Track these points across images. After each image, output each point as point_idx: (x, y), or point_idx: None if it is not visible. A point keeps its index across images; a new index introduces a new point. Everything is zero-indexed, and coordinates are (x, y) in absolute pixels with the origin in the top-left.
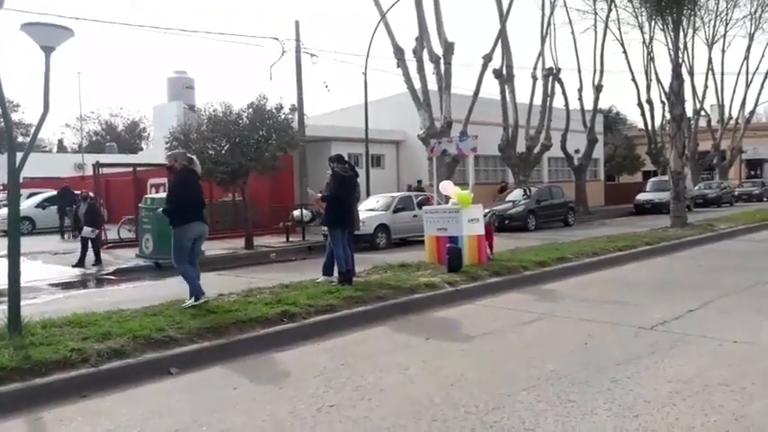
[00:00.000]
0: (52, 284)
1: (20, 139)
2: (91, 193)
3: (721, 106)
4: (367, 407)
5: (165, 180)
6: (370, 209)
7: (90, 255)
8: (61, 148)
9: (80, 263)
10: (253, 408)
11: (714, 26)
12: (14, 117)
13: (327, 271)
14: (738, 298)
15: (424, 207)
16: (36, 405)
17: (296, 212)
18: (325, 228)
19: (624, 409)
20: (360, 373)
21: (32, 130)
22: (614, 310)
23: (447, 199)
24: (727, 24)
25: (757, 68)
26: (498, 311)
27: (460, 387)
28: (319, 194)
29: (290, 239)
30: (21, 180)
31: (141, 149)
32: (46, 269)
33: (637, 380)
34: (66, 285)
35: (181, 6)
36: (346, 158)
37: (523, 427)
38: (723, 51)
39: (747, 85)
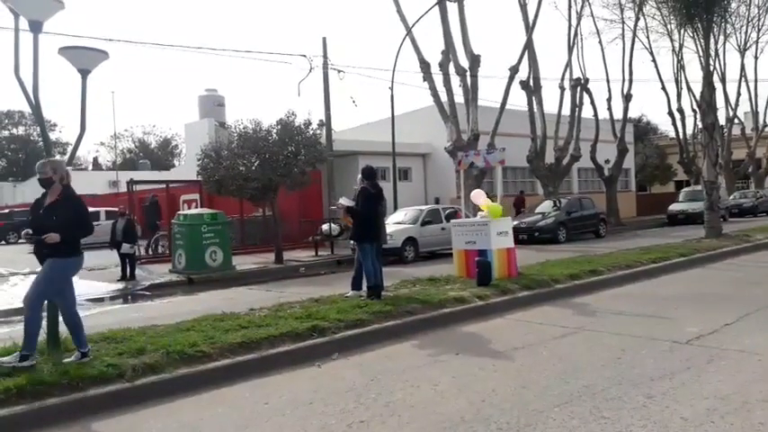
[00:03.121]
0: (88, 300)
1: (57, 157)
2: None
3: (756, 113)
4: (397, 423)
5: (197, 196)
6: (397, 222)
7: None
8: (96, 165)
9: (124, 277)
10: (283, 423)
11: (746, 32)
12: (52, 136)
13: (356, 285)
14: None
15: (452, 220)
16: (74, 419)
17: (325, 227)
18: (353, 242)
19: (660, 427)
20: (390, 388)
21: (69, 149)
22: (648, 323)
23: (475, 212)
24: (759, 30)
25: None
26: (529, 326)
27: (491, 403)
28: (343, 202)
29: (319, 253)
30: None
31: (173, 166)
32: (82, 285)
33: (673, 396)
34: (102, 301)
35: (211, 26)
36: (357, 173)
37: None
38: (756, 57)
39: None
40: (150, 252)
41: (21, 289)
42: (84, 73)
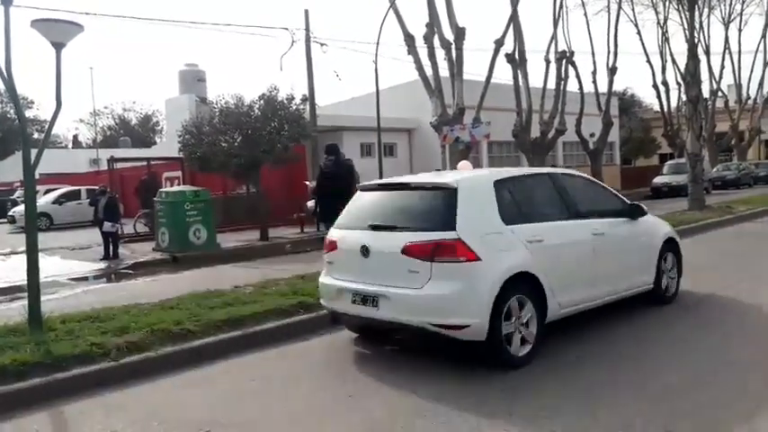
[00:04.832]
0: (71, 279)
1: (35, 135)
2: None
3: (739, 86)
4: (386, 397)
5: (179, 173)
6: None
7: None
8: (76, 143)
9: (106, 256)
10: (270, 400)
11: (730, 4)
12: (29, 114)
13: None
14: (761, 281)
15: None
16: (58, 399)
17: (310, 203)
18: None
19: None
20: (377, 363)
21: (47, 127)
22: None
23: None
24: (743, 2)
25: None
26: None
27: (481, 377)
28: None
29: (305, 230)
30: (37, 176)
31: (155, 143)
32: (64, 264)
33: (660, 362)
34: (85, 280)
35: None
36: (342, 148)
37: None
38: (740, 30)
39: (766, 64)
40: (137, 229)
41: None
42: (59, 46)
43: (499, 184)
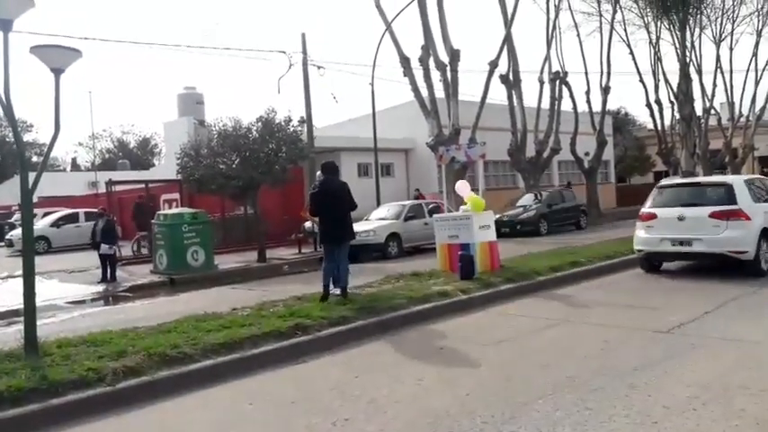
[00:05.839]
0: (68, 303)
1: (34, 158)
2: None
3: (731, 104)
4: (382, 420)
5: (177, 195)
6: (381, 218)
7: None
8: (75, 166)
9: (104, 279)
10: (268, 423)
11: (721, 24)
12: (28, 137)
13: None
14: (756, 299)
15: (434, 215)
16: (54, 425)
17: (307, 224)
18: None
19: (643, 416)
20: (374, 384)
21: (45, 151)
22: (630, 313)
23: (458, 206)
24: (734, 21)
25: (767, 65)
26: (513, 318)
27: (476, 397)
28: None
29: (303, 251)
30: (35, 199)
31: (153, 165)
32: (62, 288)
33: (655, 385)
34: (82, 303)
35: (189, 23)
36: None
37: None
38: (731, 49)
39: (757, 82)
40: (135, 252)
41: None
42: (57, 72)
43: (746, 182)
